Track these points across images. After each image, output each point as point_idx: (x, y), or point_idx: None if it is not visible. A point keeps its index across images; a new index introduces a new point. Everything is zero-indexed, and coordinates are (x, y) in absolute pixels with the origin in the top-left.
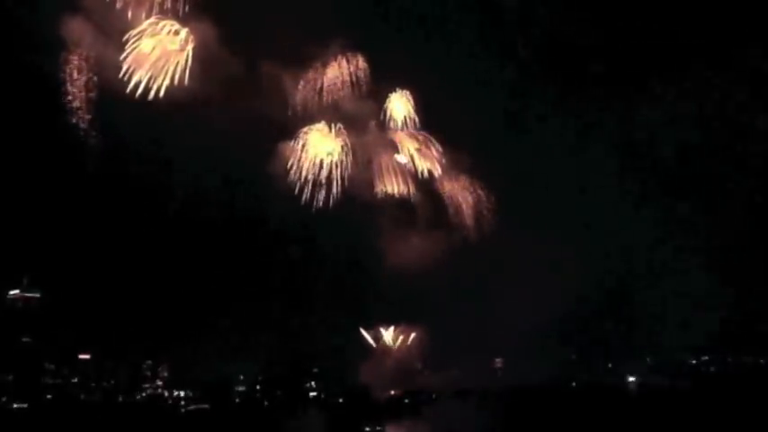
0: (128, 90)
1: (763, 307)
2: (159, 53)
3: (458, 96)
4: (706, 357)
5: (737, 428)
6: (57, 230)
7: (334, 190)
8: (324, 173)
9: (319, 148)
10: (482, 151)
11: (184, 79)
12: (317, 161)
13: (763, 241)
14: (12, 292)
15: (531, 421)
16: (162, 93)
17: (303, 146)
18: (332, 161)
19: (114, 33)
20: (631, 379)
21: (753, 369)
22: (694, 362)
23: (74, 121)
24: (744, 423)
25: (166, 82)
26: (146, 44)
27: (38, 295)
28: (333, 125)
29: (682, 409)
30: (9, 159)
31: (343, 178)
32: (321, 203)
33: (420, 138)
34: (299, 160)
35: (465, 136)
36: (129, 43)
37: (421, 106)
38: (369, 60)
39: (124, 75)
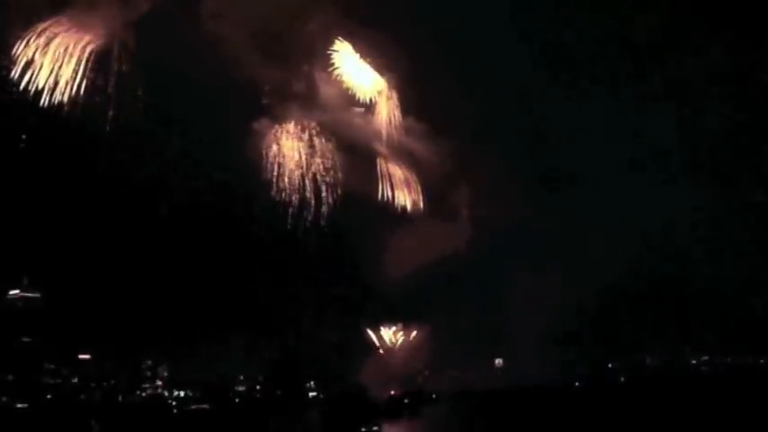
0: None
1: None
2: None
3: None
4: (706, 357)
5: (737, 428)
6: (56, 230)
7: (325, 202)
8: (308, 184)
9: (295, 155)
10: (480, 142)
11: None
12: (297, 176)
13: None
14: (12, 292)
15: (532, 422)
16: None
17: (278, 165)
18: (313, 167)
19: None
20: (622, 379)
21: (753, 369)
22: (694, 362)
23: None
24: (743, 423)
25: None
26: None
27: (38, 295)
28: (306, 125)
29: (681, 410)
30: (8, 158)
31: (332, 183)
32: (309, 223)
33: (409, 129)
34: (278, 175)
35: (459, 122)
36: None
37: (412, 93)
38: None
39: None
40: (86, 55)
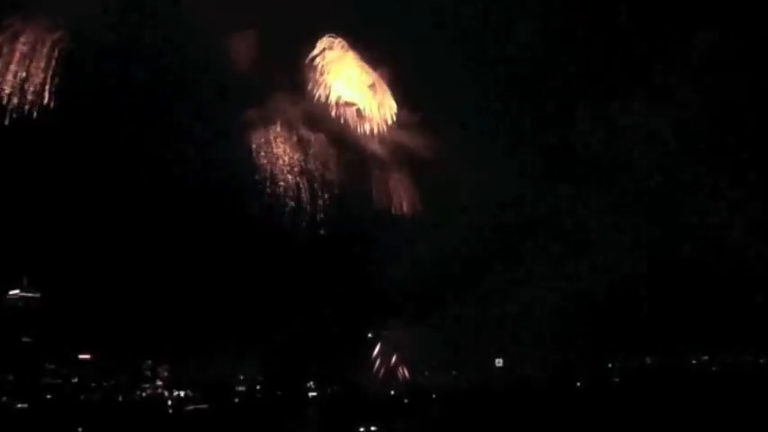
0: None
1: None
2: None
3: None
4: (706, 357)
5: (737, 428)
6: (56, 230)
7: (322, 202)
8: (303, 185)
9: (287, 156)
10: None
11: None
12: (291, 176)
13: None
14: (12, 292)
15: (533, 421)
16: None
17: (271, 165)
18: (308, 166)
19: None
20: (622, 379)
21: (753, 369)
22: (694, 362)
23: None
24: (744, 423)
25: None
26: None
27: (38, 295)
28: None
29: (681, 410)
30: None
31: (327, 183)
32: (307, 223)
33: (403, 123)
34: (271, 175)
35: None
36: None
37: (407, 86)
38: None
39: None
40: (56, 52)
